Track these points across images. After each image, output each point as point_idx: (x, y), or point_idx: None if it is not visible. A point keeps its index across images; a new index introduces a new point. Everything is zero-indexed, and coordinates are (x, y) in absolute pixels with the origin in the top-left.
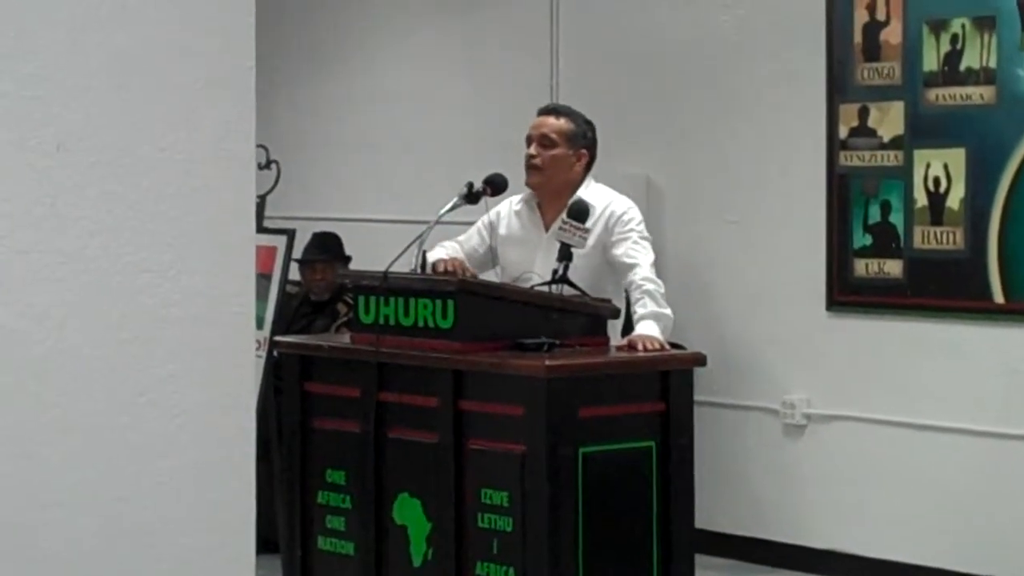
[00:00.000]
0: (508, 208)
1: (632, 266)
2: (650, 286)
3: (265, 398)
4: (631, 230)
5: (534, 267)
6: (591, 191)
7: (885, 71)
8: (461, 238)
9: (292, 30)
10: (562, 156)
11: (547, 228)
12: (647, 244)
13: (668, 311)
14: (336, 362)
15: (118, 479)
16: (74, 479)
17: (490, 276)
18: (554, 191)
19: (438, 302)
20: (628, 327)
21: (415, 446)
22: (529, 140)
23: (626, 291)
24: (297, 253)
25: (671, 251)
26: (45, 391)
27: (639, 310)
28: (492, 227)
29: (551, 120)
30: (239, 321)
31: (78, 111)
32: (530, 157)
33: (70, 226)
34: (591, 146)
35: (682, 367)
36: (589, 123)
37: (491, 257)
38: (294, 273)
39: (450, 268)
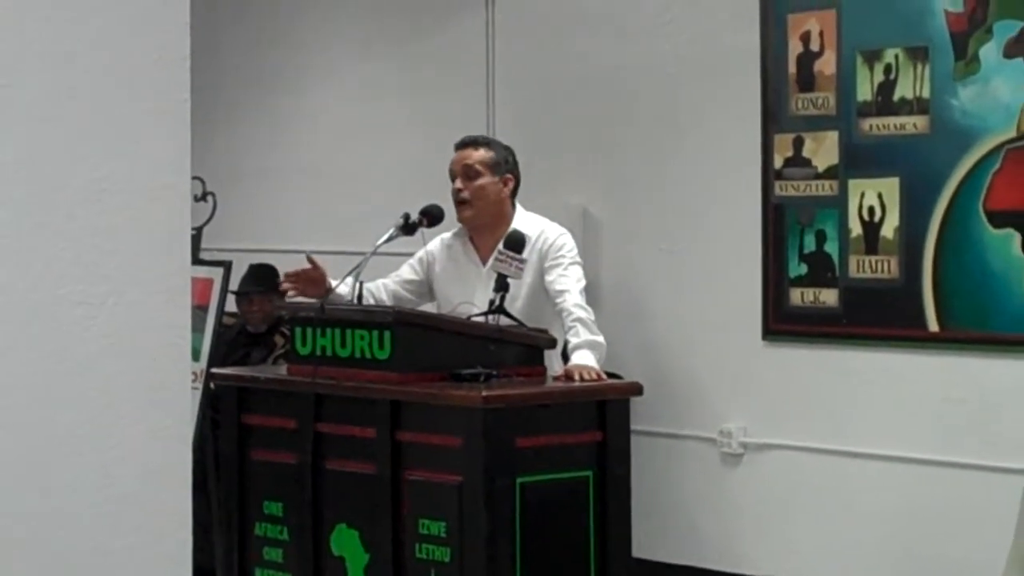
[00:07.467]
0: (440, 245)
1: (561, 292)
2: (581, 313)
3: (202, 430)
4: (562, 256)
5: (474, 301)
6: (523, 220)
7: (819, 101)
8: (392, 275)
9: (229, 62)
10: (489, 184)
11: (484, 262)
12: (577, 269)
13: (601, 339)
14: (273, 393)
15: (55, 510)
16: (9, 510)
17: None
18: (486, 223)
19: (375, 333)
20: (566, 352)
21: (352, 477)
22: (453, 175)
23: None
24: (234, 285)
25: (608, 280)
26: None
27: (572, 339)
28: (426, 264)
29: (471, 152)
30: (175, 353)
31: (13, 143)
32: (458, 191)
33: (4, 259)
34: (514, 170)
35: (619, 396)
36: (508, 148)
37: (427, 290)
38: (231, 305)
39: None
